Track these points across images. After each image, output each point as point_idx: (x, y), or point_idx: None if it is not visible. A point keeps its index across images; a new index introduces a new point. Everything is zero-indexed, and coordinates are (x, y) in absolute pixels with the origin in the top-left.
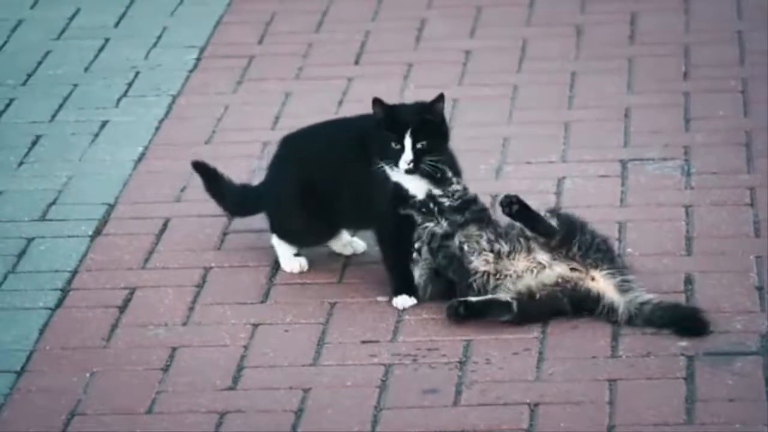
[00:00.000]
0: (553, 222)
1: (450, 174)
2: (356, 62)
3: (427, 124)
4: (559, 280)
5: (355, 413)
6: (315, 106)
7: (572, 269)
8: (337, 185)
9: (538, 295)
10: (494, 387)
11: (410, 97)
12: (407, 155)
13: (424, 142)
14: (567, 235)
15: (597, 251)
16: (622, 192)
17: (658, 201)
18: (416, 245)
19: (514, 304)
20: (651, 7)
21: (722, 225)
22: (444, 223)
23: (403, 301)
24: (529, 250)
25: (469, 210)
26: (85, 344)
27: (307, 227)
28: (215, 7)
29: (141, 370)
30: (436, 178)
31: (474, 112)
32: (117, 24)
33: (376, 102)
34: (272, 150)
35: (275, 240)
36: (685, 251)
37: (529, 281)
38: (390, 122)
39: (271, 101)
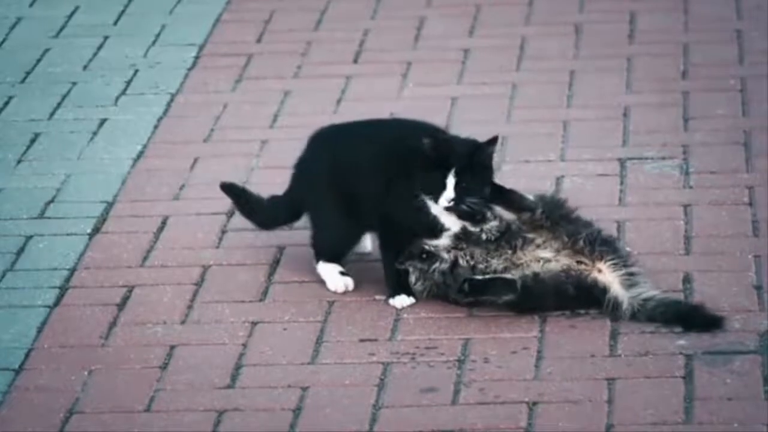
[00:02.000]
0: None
1: (489, 214)
2: (355, 61)
3: (474, 165)
4: (565, 269)
5: (353, 412)
6: (314, 105)
7: (578, 262)
8: (370, 189)
9: (542, 275)
10: (493, 386)
11: (409, 96)
12: (449, 193)
13: (467, 183)
14: (551, 209)
15: (603, 244)
16: (620, 191)
17: (657, 200)
18: (410, 265)
19: (519, 283)
20: (650, 7)
21: (721, 224)
22: (447, 255)
23: (401, 300)
24: (537, 246)
25: (503, 237)
26: (83, 342)
27: (342, 231)
28: (214, 6)
29: (139, 369)
30: (474, 218)
31: (473, 110)
32: (116, 22)
33: (428, 135)
34: (277, 148)
35: (321, 266)
36: (683, 250)
37: (536, 269)
38: (437, 157)
39: (269, 100)
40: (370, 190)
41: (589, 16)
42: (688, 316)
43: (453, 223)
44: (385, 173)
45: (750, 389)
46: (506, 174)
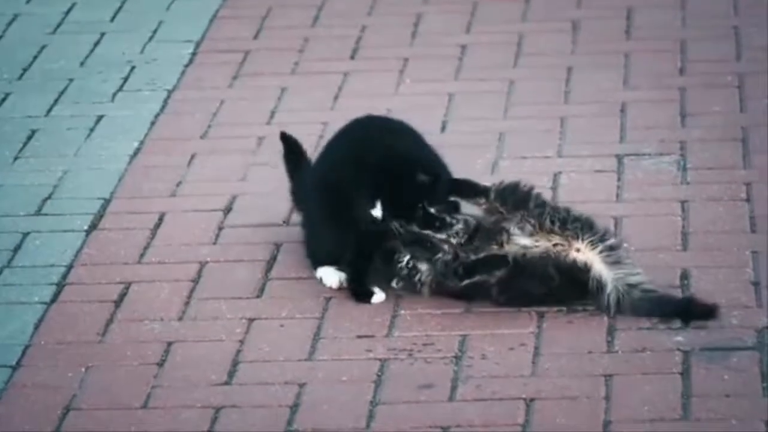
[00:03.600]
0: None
1: (447, 218)
2: (352, 57)
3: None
4: (544, 253)
5: (350, 408)
6: (311, 101)
7: (554, 244)
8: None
9: (528, 257)
10: (490, 382)
11: (406, 92)
12: (376, 211)
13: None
14: (503, 191)
15: (574, 221)
16: (618, 187)
17: (654, 196)
18: (405, 260)
19: (510, 257)
20: (647, 3)
21: (718, 220)
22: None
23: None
24: (512, 236)
25: (477, 237)
26: (80, 339)
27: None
28: (211, 2)
29: (136, 365)
30: (433, 225)
31: (470, 107)
32: (113, 18)
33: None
34: (273, 145)
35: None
36: (681, 246)
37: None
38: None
39: (266, 96)
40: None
41: (587, 12)
42: (677, 312)
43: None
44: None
45: (748, 386)
46: (504, 170)
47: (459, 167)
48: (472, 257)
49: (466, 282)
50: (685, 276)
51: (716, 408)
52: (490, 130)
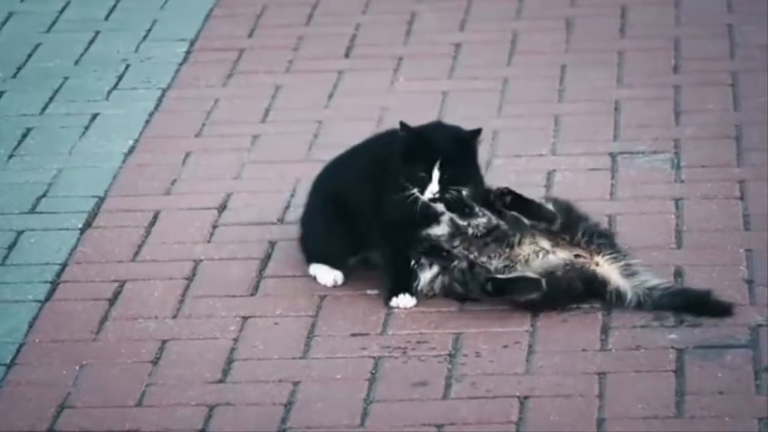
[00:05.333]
0: (550, 206)
1: (477, 208)
2: (346, 55)
3: (457, 154)
4: (565, 264)
5: (344, 406)
6: (305, 99)
7: (576, 255)
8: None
9: (559, 273)
10: (484, 380)
11: (400, 90)
12: (433, 186)
13: (450, 174)
14: (569, 220)
15: (600, 237)
16: (612, 185)
17: (648, 194)
18: (423, 259)
19: (543, 282)
20: (641, 1)
21: (712, 218)
22: (466, 253)
23: (404, 301)
24: (533, 236)
25: (491, 235)
26: (74, 337)
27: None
28: (205, 1)
29: (130, 363)
30: (462, 211)
31: (464, 105)
32: (107, 17)
33: (403, 126)
34: (268, 143)
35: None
36: (675, 244)
37: (538, 265)
38: (418, 149)
39: (261, 94)
40: (363, 204)
41: (580, 10)
42: (698, 304)
43: (443, 213)
44: (373, 179)
45: (741, 383)
46: (498, 168)
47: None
48: (501, 277)
49: (493, 299)
50: (678, 274)
51: (710, 405)
52: (484, 128)
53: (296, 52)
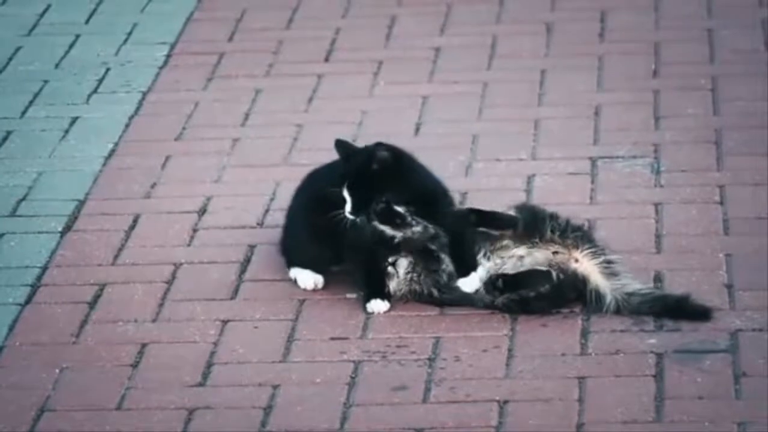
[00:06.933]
0: (512, 212)
1: (409, 218)
2: (326, 59)
3: (365, 174)
4: (549, 264)
5: (324, 410)
6: (285, 103)
7: (554, 252)
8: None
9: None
10: (463, 384)
11: (380, 94)
12: (348, 206)
13: (363, 191)
14: (533, 220)
15: (574, 231)
16: (591, 189)
17: (628, 198)
18: (391, 259)
19: (554, 273)
20: (621, 5)
21: (692, 223)
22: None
23: (377, 305)
24: (505, 247)
25: (436, 242)
26: (54, 340)
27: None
28: (185, 4)
29: (110, 367)
30: (394, 222)
31: (444, 109)
32: (87, 20)
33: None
34: (248, 146)
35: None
36: (654, 249)
37: (516, 266)
38: (341, 173)
39: (241, 98)
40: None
41: (560, 14)
42: (677, 308)
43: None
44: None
45: (721, 388)
46: (477, 173)
47: (433, 169)
48: (510, 272)
49: (505, 296)
50: (658, 278)
51: (689, 410)
52: (464, 133)
53: (276, 56)
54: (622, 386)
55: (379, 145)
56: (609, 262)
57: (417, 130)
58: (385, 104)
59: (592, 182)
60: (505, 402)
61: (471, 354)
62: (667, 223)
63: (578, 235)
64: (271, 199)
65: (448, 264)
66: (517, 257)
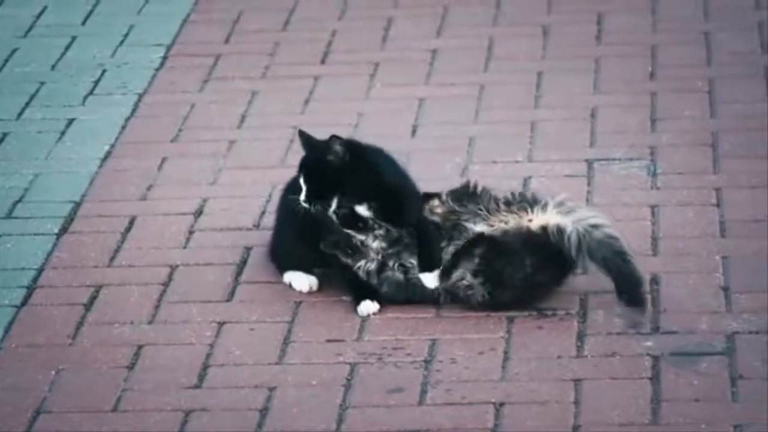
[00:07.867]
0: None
1: (371, 222)
2: (323, 61)
3: (318, 165)
4: (503, 233)
5: (320, 412)
6: (281, 105)
7: (507, 223)
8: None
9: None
10: (459, 386)
11: (377, 96)
12: (302, 195)
13: (315, 183)
14: (455, 191)
15: (520, 200)
16: (588, 192)
17: (624, 201)
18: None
19: (487, 232)
20: (618, 8)
21: (688, 225)
22: (376, 256)
23: (367, 307)
24: (466, 225)
25: (401, 244)
26: (50, 342)
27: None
28: (182, 6)
29: (106, 368)
30: (356, 225)
31: (440, 111)
32: (84, 22)
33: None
34: (244, 148)
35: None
36: (651, 251)
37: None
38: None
39: (237, 100)
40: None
41: (557, 17)
42: (623, 282)
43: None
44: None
45: (717, 390)
46: (474, 174)
47: (429, 172)
48: (448, 256)
49: (452, 274)
50: (655, 281)
51: (686, 413)
52: (461, 135)
53: (273, 58)
54: (618, 389)
55: (333, 137)
56: (562, 203)
57: (413, 132)
58: (381, 106)
59: (589, 184)
60: (501, 404)
61: (467, 356)
62: (663, 225)
63: (523, 201)
64: (268, 201)
65: (413, 264)
66: (474, 234)
